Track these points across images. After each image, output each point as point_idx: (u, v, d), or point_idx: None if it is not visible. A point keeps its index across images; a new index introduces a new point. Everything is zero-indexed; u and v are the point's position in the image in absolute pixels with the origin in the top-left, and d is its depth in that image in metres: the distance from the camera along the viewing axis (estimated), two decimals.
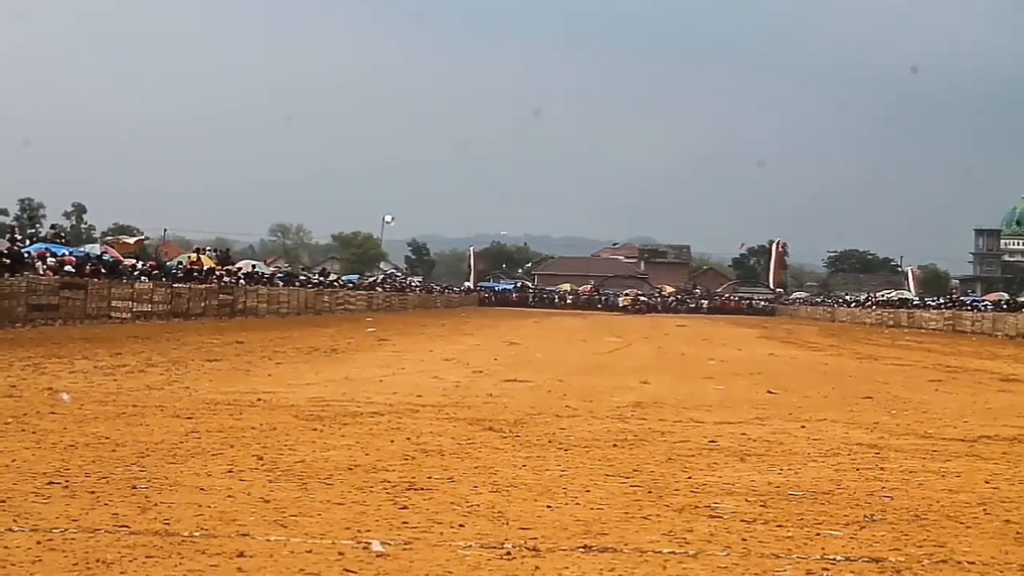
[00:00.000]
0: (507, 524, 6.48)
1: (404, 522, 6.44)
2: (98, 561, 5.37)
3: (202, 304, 42.86)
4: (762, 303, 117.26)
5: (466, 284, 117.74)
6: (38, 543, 5.69)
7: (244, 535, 5.98)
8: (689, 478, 8.36)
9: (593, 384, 17.04)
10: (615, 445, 10.05)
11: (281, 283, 56.93)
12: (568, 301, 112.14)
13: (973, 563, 5.87)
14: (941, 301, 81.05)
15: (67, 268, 34.98)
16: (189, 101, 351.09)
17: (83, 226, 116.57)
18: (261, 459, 8.59)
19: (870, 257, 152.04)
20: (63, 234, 49.57)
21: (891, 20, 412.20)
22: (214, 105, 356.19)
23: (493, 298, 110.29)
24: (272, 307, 50.21)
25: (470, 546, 5.89)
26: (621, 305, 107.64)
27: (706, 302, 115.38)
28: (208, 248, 62.71)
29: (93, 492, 7.04)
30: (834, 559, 5.84)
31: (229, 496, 7.06)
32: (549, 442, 10.13)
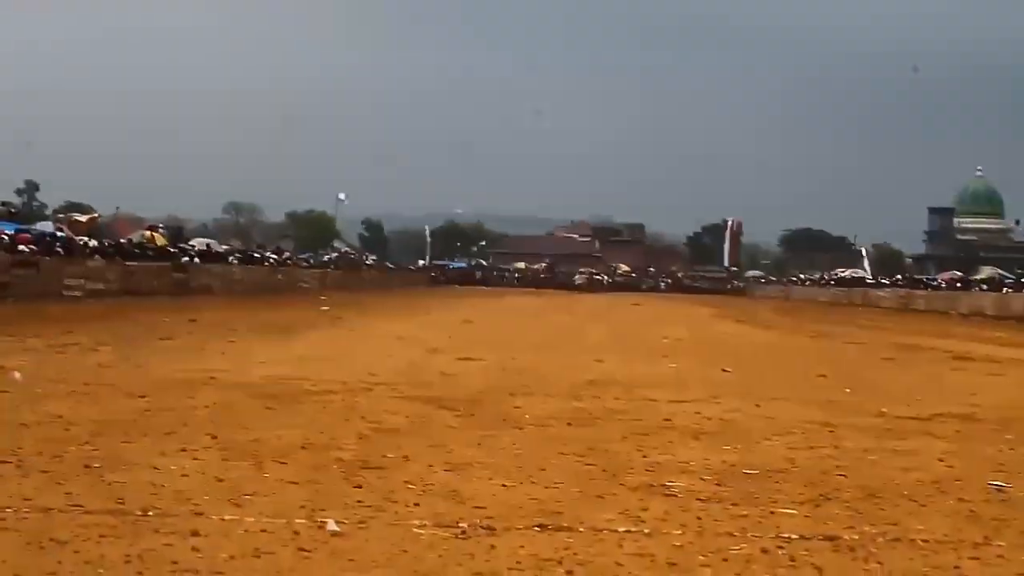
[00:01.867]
0: (462, 503, 6.48)
1: (359, 501, 6.43)
2: (52, 540, 5.34)
3: (155, 282, 42.63)
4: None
5: (420, 263, 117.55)
6: None
7: (198, 514, 5.96)
8: (644, 457, 8.39)
9: (547, 362, 17.06)
10: (570, 424, 10.07)
11: (235, 261, 56.74)
12: (517, 279, 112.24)
13: (927, 541, 5.92)
14: (898, 278, 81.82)
15: (21, 248, 34.71)
16: (141, 79, 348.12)
17: (35, 203, 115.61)
18: (215, 438, 8.55)
19: (824, 236, 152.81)
20: (14, 210, 49.15)
21: (845, 3, 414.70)
22: (169, 83, 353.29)
23: (443, 277, 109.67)
24: (225, 285, 50.02)
25: (425, 525, 5.89)
26: (576, 284, 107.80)
27: (664, 284, 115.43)
28: (161, 225, 62.31)
29: (46, 471, 6.99)
30: (789, 537, 5.87)
31: (183, 475, 7.03)
32: (504, 421, 10.14)
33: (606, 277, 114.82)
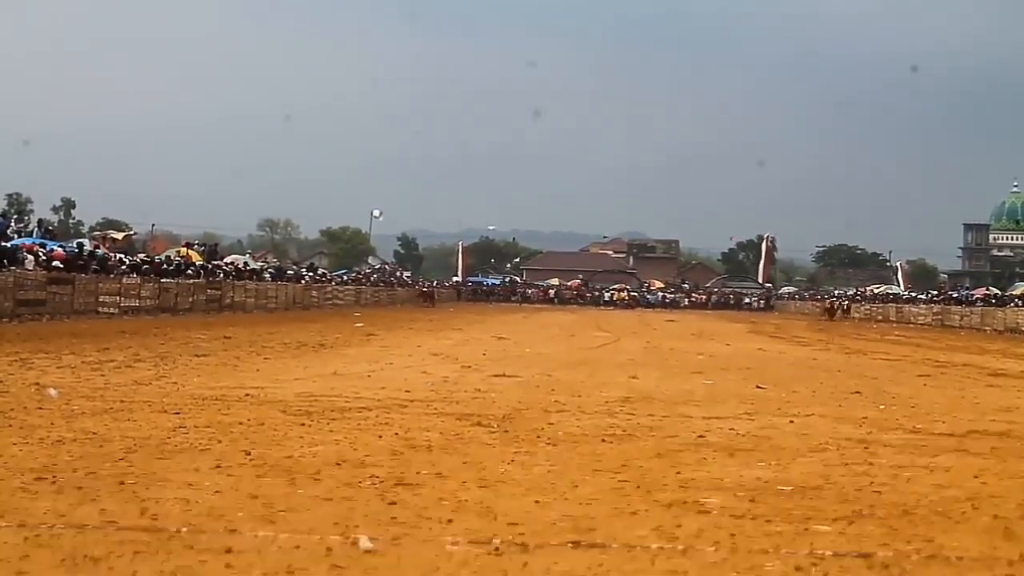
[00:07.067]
0: (495, 520, 6.47)
1: (392, 518, 6.42)
2: (86, 557, 5.36)
3: (190, 299, 42.84)
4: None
5: (454, 279, 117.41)
6: (25, 539, 5.67)
7: (232, 531, 5.97)
8: (678, 473, 8.36)
9: (581, 379, 17.04)
10: (604, 440, 10.04)
11: (269, 278, 56.90)
12: (552, 296, 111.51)
13: (962, 558, 5.87)
14: (933, 294, 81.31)
15: (55, 264, 34.86)
16: (177, 98, 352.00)
17: (71, 221, 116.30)
18: (249, 454, 8.57)
19: (859, 252, 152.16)
20: (51, 228, 49.46)
21: (885, 18, 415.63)
22: (204, 102, 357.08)
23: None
24: (260, 302, 50.25)
25: (458, 542, 5.88)
26: (611, 300, 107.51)
27: (699, 300, 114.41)
28: (196, 243, 62.60)
29: (81, 488, 7.01)
30: (823, 554, 5.84)
31: (217, 492, 7.05)
32: (538, 437, 10.12)
33: (639, 293, 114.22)
